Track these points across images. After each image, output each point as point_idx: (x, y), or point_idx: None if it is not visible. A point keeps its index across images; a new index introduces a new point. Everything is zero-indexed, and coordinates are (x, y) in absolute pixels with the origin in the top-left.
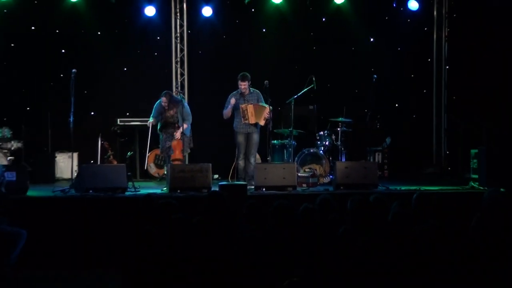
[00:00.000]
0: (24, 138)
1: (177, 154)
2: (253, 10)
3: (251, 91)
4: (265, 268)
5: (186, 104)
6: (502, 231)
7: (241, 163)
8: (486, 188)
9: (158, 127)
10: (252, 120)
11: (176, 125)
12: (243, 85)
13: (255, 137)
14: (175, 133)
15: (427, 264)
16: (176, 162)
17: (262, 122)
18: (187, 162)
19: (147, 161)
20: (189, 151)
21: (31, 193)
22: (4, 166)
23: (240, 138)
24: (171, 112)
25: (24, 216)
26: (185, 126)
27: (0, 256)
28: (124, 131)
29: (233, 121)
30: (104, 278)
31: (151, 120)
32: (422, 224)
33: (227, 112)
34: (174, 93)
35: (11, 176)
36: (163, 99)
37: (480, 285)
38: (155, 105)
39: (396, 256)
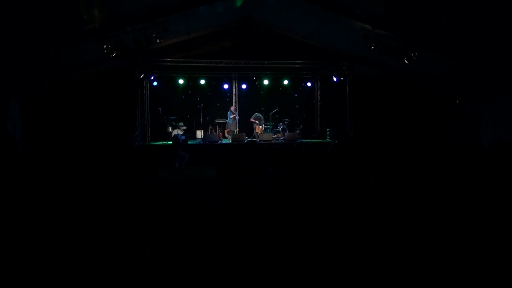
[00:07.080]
0: (187, 125)
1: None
2: (258, 85)
3: (258, 115)
4: (260, 163)
5: (228, 114)
6: (338, 153)
7: (255, 133)
8: (331, 140)
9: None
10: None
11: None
12: (257, 115)
13: (260, 127)
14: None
15: (313, 161)
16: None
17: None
18: (238, 132)
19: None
20: (235, 129)
21: (190, 142)
22: (182, 134)
23: (254, 126)
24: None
25: (186, 149)
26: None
27: (180, 163)
28: (218, 123)
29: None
30: (210, 170)
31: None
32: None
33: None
34: (232, 110)
35: (183, 137)
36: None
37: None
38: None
39: (301, 158)
